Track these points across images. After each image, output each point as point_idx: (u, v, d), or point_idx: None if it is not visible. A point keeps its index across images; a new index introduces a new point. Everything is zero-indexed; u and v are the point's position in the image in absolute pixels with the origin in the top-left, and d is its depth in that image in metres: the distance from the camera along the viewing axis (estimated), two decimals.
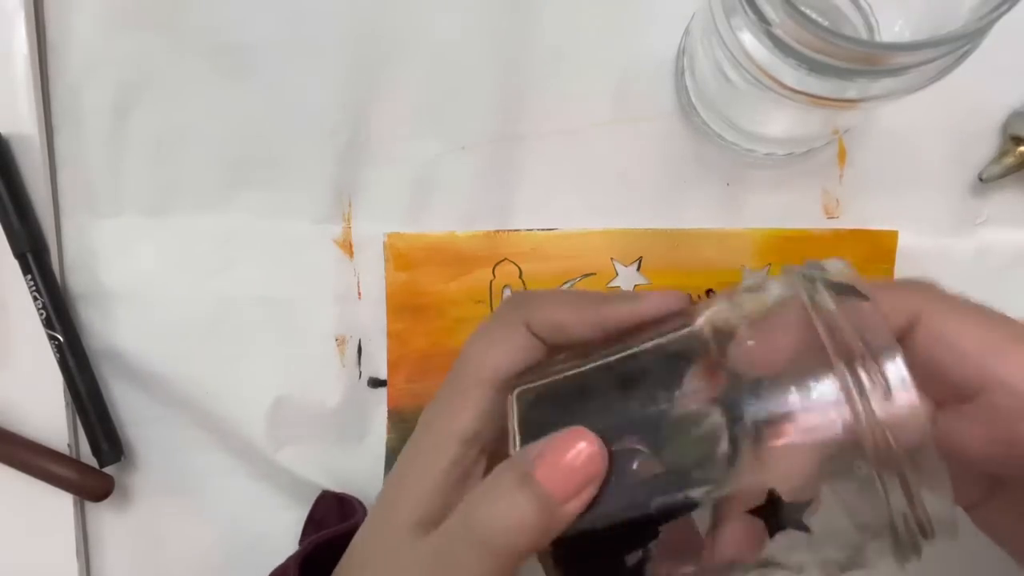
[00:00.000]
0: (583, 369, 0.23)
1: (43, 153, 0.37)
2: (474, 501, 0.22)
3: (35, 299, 0.36)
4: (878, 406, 0.18)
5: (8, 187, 0.36)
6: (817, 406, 0.19)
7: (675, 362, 0.21)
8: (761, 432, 0.19)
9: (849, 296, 0.19)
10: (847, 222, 0.35)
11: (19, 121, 0.36)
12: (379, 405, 0.37)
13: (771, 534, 0.20)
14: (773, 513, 0.19)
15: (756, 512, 0.20)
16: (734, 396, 0.20)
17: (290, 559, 0.29)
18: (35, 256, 0.36)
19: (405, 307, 0.37)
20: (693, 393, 0.21)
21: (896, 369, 0.18)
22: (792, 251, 0.35)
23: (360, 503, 0.35)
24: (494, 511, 0.22)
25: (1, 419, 0.37)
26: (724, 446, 0.20)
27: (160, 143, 0.37)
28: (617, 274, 0.36)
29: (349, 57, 0.36)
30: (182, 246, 0.37)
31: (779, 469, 0.19)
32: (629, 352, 0.22)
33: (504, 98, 0.36)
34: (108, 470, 0.37)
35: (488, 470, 0.25)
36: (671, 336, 0.22)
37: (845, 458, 0.19)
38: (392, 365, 0.37)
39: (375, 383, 0.37)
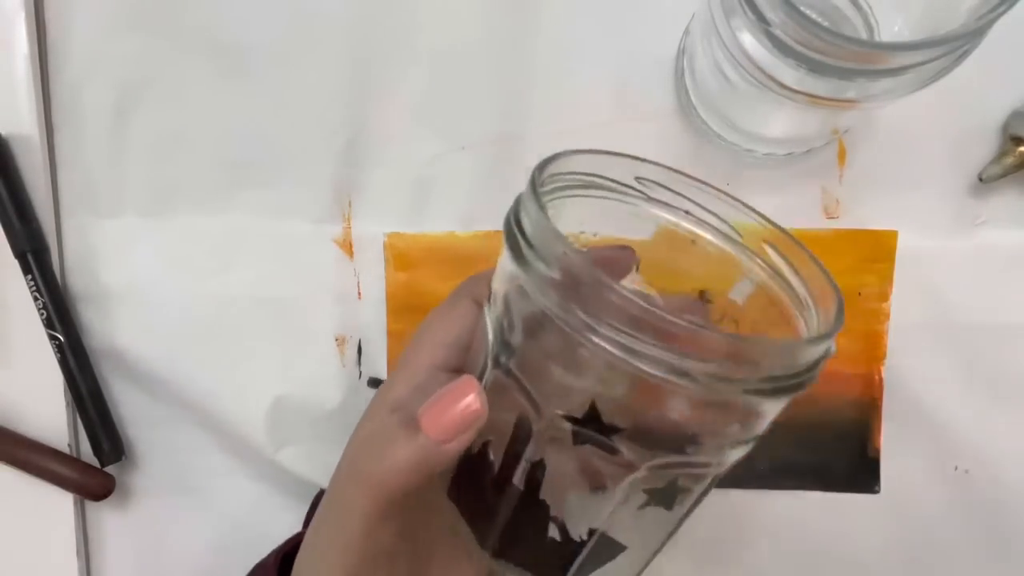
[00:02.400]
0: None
1: (43, 153, 0.37)
2: (360, 442, 0.24)
3: (35, 299, 0.36)
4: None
5: (8, 187, 0.36)
6: None
7: (480, 342, 0.24)
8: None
9: None
10: (847, 222, 0.35)
11: (19, 121, 0.36)
12: None
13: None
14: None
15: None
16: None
17: (270, 555, 0.29)
18: (35, 256, 0.36)
19: (405, 307, 0.37)
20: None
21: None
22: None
23: None
24: (374, 449, 0.23)
25: (2, 418, 0.37)
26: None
27: (160, 143, 0.37)
28: None
29: (349, 57, 0.36)
30: (182, 246, 0.37)
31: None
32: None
33: (504, 98, 0.36)
34: (109, 470, 0.37)
35: None
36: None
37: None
38: (392, 365, 0.37)
39: (375, 383, 0.37)
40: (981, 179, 0.34)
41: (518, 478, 0.23)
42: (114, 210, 0.37)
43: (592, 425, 0.21)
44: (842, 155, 0.35)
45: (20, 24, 0.36)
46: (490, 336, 0.23)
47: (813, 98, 0.26)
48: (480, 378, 0.23)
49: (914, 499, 0.36)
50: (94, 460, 0.37)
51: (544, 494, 0.23)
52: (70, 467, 0.37)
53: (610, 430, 0.21)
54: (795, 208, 0.35)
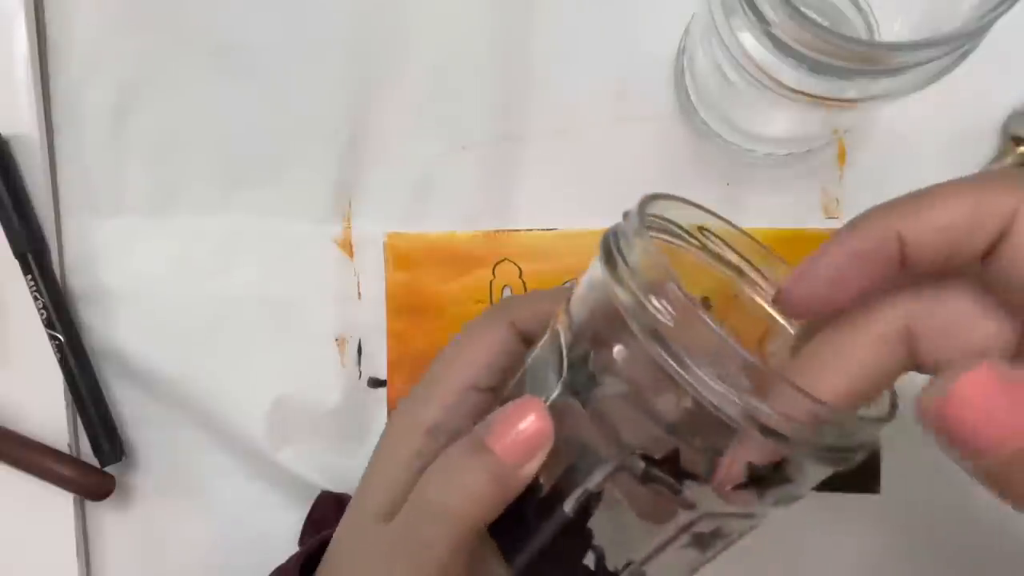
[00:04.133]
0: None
1: (43, 153, 0.37)
2: (429, 475, 0.23)
3: (35, 299, 0.36)
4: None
5: (8, 187, 0.36)
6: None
7: (546, 366, 0.23)
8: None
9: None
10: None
11: (19, 121, 0.36)
12: (379, 405, 0.37)
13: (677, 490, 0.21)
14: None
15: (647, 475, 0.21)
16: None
17: (292, 559, 0.29)
18: (35, 256, 0.36)
19: (405, 307, 0.37)
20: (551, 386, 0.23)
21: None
22: (792, 251, 0.35)
23: None
24: (449, 481, 0.23)
25: (1, 418, 0.37)
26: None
27: (160, 143, 0.37)
28: None
29: (349, 57, 0.36)
30: (182, 246, 0.37)
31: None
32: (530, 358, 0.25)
33: (504, 98, 0.36)
34: (109, 470, 0.37)
35: None
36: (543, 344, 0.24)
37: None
38: (392, 365, 0.37)
39: (375, 383, 0.37)
40: None
41: (570, 505, 0.23)
42: (114, 210, 0.37)
43: (668, 468, 0.21)
44: (842, 155, 0.35)
45: (20, 24, 0.36)
46: (565, 360, 0.22)
47: (813, 98, 0.26)
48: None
49: (914, 499, 0.36)
50: (94, 460, 0.37)
51: (591, 522, 0.23)
52: (70, 467, 0.37)
53: (685, 475, 0.21)
54: (795, 208, 0.35)
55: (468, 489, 0.22)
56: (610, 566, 0.23)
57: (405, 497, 0.24)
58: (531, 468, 0.22)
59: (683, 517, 0.22)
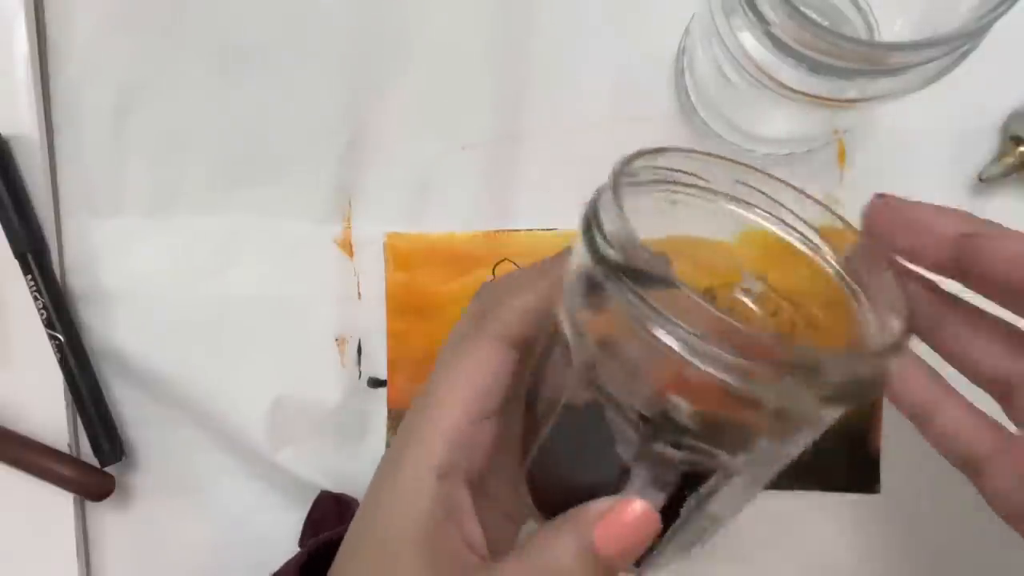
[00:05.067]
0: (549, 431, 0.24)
1: (43, 153, 0.37)
2: (531, 565, 0.22)
3: (35, 299, 0.36)
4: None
5: (8, 187, 0.36)
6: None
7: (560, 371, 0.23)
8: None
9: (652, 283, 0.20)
10: None
11: (19, 121, 0.36)
12: (379, 405, 0.37)
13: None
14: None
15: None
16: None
17: (290, 562, 0.29)
18: (35, 256, 0.36)
19: (405, 307, 0.37)
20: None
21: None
22: (792, 251, 0.35)
23: (359, 503, 0.35)
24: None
25: (1, 418, 0.37)
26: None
27: (160, 143, 0.37)
28: None
29: (349, 57, 0.36)
30: (182, 246, 0.37)
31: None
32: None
33: (504, 98, 0.36)
34: (108, 470, 0.37)
35: (474, 501, 0.24)
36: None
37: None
38: (392, 365, 0.37)
39: (375, 383, 0.37)
40: (981, 179, 0.34)
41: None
42: (114, 210, 0.37)
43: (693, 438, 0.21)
44: (842, 155, 0.35)
45: (20, 24, 0.36)
46: (576, 358, 0.22)
47: (813, 98, 0.26)
48: (557, 407, 0.23)
49: (914, 499, 0.36)
50: (94, 460, 0.37)
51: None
52: (70, 467, 0.37)
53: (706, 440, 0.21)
54: None
55: None
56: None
57: (434, 549, 0.23)
58: (630, 561, 0.22)
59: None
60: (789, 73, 0.25)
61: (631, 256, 0.20)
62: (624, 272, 0.20)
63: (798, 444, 0.22)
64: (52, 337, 0.36)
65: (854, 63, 0.23)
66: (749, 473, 0.23)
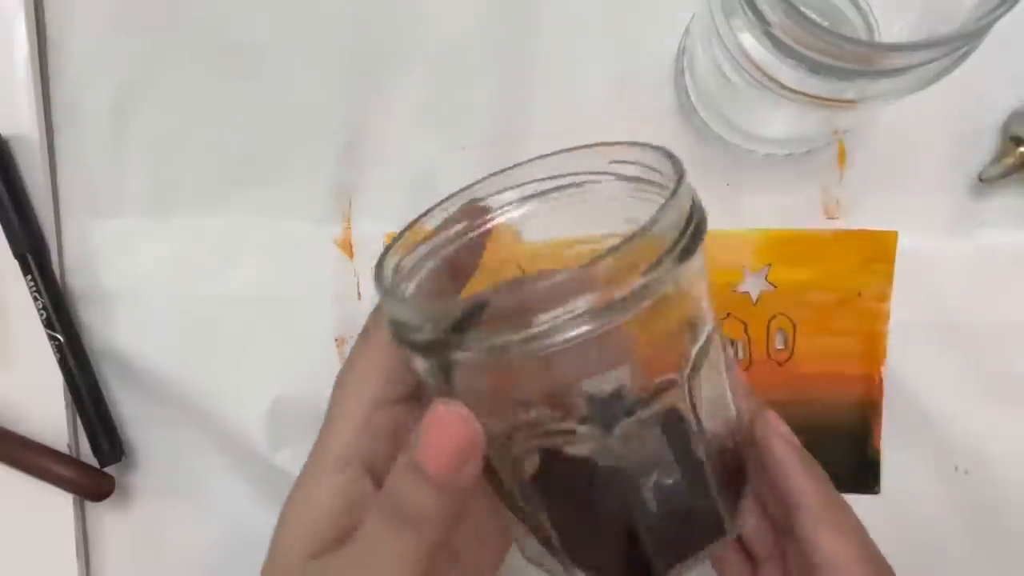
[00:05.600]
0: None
1: (43, 153, 0.37)
2: (382, 502, 0.23)
3: (35, 299, 0.36)
4: None
5: (8, 187, 0.36)
6: None
7: None
8: None
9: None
10: (847, 223, 0.35)
11: (19, 121, 0.36)
12: None
13: None
14: None
15: None
16: None
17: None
18: (35, 256, 0.36)
19: None
20: None
21: None
22: (792, 252, 0.35)
23: None
24: (397, 513, 0.22)
25: (1, 419, 0.37)
26: None
27: (160, 143, 0.37)
28: None
29: (349, 57, 0.36)
30: (182, 246, 0.37)
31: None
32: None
33: (504, 98, 0.36)
34: (108, 470, 0.37)
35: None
36: None
37: None
38: None
39: None
40: (981, 179, 0.34)
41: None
42: (114, 210, 0.37)
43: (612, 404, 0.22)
44: (842, 155, 0.35)
45: (20, 24, 0.36)
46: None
47: (813, 98, 0.26)
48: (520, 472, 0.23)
49: (914, 499, 0.36)
50: (94, 461, 0.37)
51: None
52: (70, 468, 0.37)
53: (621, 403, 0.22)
54: (795, 208, 0.35)
55: (420, 516, 0.22)
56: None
57: (334, 537, 0.24)
58: (473, 469, 0.22)
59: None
60: (789, 73, 0.25)
61: (440, 320, 0.20)
62: (446, 338, 0.20)
63: (689, 322, 0.23)
64: (52, 337, 0.36)
65: (854, 64, 0.23)
66: (703, 372, 0.23)
